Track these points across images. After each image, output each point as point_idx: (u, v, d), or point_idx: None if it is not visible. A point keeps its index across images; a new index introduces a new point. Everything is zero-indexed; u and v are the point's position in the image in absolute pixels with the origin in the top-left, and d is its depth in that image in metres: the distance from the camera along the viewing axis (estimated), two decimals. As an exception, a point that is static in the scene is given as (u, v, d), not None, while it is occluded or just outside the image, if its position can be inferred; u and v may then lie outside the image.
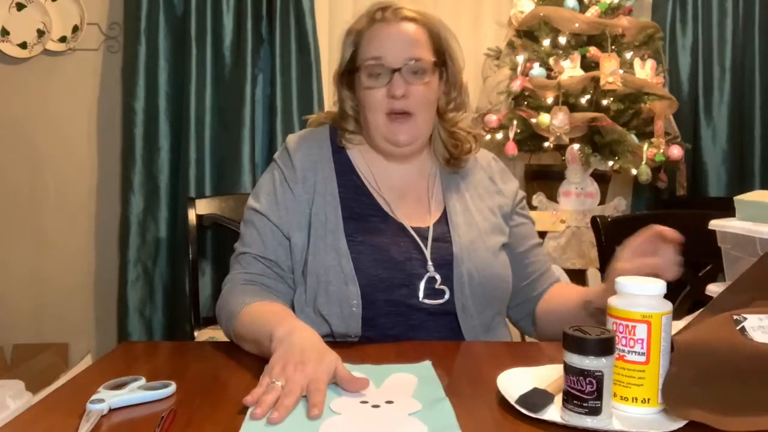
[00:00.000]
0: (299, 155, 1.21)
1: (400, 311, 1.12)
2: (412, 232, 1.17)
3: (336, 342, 1.11)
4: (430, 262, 1.14)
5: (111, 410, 0.80)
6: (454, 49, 1.23)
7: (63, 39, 2.60)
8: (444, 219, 1.21)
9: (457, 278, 1.15)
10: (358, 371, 0.91)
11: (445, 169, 1.26)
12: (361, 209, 1.19)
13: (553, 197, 2.46)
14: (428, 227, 1.19)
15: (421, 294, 1.13)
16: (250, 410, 0.78)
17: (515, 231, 1.27)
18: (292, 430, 0.74)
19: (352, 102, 1.25)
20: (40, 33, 2.57)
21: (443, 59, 1.22)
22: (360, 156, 1.25)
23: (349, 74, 1.23)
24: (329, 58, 2.68)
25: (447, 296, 1.14)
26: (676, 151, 2.38)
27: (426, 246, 1.16)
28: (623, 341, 0.79)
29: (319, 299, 1.11)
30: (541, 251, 1.31)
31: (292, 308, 1.14)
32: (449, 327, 1.14)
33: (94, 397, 0.80)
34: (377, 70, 1.17)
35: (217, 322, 1.16)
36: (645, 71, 2.44)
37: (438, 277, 1.14)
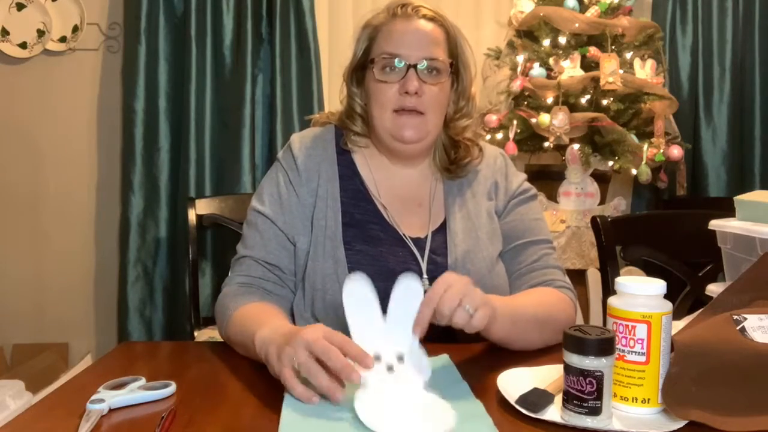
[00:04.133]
0: (303, 156, 1.19)
1: None
2: (410, 243, 1.15)
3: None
4: (425, 276, 1.12)
5: (111, 410, 0.80)
6: (467, 56, 1.21)
7: (63, 39, 2.60)
8: (444, 227, 1.18)
9: None
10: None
11: (445, 176, 1.23)
12: (361, 215, 1.17)
13: (553, 197, 2.45)
14: (426, 237, 1.16)
15: None
16: (284, 406, 0.79)
17: (504, 230, 1.21)
18: (328, 413, 0.78)
19: (361, 100, 1.21)
20: (40, 33, 2.57)
21: (457, 65, 1.19)
22: (364, 160, 1.22)
23: (361, 69, 1.19)
24: (329, 58, 2.68)
25: None
26: (676, 151, 2.38)
27: (423, 257, 1.14)
28: (623, 341, 0.79)
29: (316, 306, 1.11)
30: (535, 250, 1.20)
31: (292, 312, 1.14)
32: (447, 340, 1.10)
33: (94, 397, 0.80)
34: (392, 64, 1.13)
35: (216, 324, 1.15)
36: (645, 71, 2.44)
37: None
